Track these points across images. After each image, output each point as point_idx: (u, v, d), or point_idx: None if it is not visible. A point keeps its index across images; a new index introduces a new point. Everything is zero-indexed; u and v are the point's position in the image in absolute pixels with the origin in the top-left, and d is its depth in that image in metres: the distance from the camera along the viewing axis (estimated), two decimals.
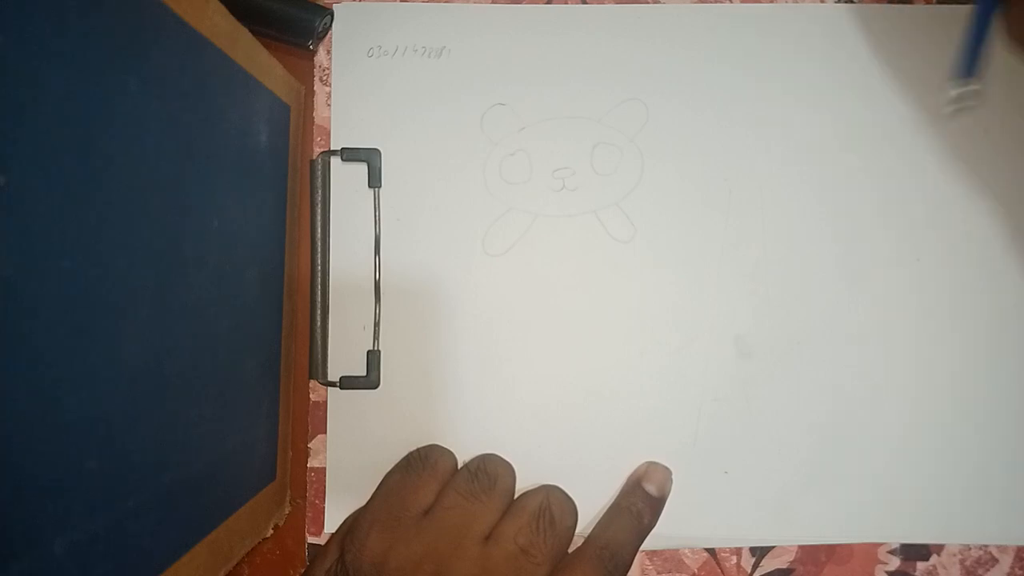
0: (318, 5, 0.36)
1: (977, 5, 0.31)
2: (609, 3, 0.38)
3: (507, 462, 0.34)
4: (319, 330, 0.36)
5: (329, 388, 0.36)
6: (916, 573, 0.35)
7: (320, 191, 0.36)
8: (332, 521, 0.35)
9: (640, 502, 0.34)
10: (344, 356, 0.36)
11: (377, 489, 0.33)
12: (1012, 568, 0.36)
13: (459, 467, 0.34)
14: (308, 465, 0.36)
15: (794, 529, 0.35)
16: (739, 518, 0.35)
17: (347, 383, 0.36)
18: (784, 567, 0.36)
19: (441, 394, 0.36)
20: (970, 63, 0.31)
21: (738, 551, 0.36)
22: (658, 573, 0.36)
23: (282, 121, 0.34)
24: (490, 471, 0.33)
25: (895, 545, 0.36)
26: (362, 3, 0.37)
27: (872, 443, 0.36)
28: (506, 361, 0.36)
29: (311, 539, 0.36)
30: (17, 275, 0.17)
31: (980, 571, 0.35)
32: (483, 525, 0.31)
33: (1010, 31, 0.31)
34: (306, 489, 0.36)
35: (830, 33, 0.38)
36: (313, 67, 0.37)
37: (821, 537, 0.35)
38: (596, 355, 0.36)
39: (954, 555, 0.35)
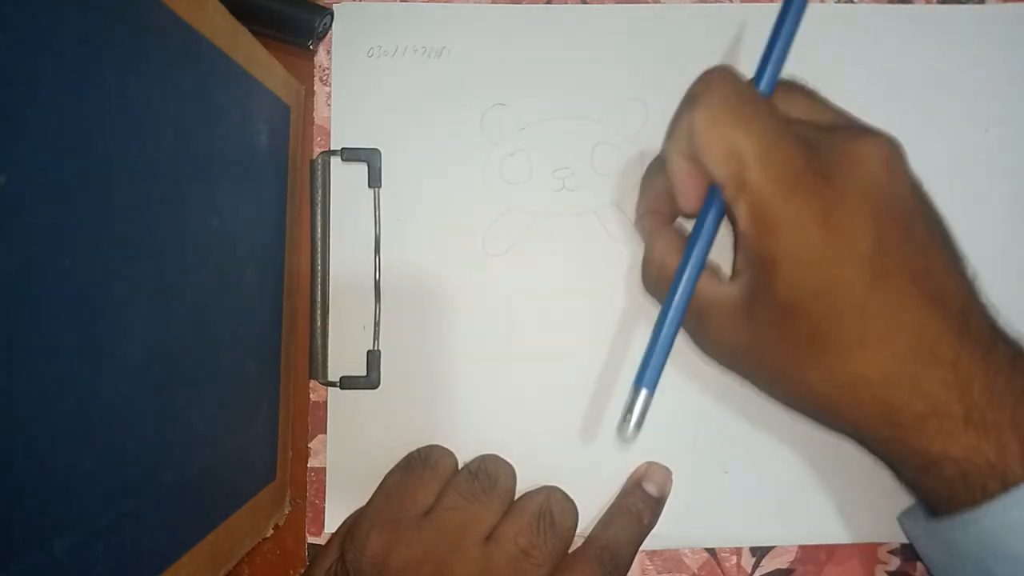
0: (318, 5, 0.36)
1: (658, 326, 0.31)
2: (609, 3, 0.38)
3: (508, 463, 0.34)
4: (319, 330, 0.36)
5: (329, 388, 0.36)
6: (916, 573, 0.35)
7: (320, 191, 0.36)
8: (332, 521, 0.35)
9: (640, 502, 0.34)
10: (344, 356, 0.36)
11: (377, 489, 0.33)
12: None
13: (459, 467, 0.34)
14: (308, 465, 0.36)
15: (794, 529, 0.35)
16: (739, 518, 0.35)
17: (347, 383, 0.36)
18: (784, 567, 0.36)
19: (441, 394, 0.36)
20: (655, 376, 0.30)
21: (738, 551, 0.36)
22: (658, 573, 0.36)
23: (282, 121, 0.34)
24: (491, 471, 0.33)
25: (895, 545, 0.35)
26: (362, 3, 0.37)
27: None
28: (506, 361, 0.36)
29: (311, 539, 0.36)
30: (17, 274, 0.17)
31: None
32: (484, 526, 0.31)
33: (705, 345, 0.33)
34: (306, 489, 0.36)
35: (830, 33, 0.38)
36: (313, 67, 0.37)
37: (821, 537, 0.35)
38: (596, 355, 0.36)
39: None
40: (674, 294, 0.30)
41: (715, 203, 0.30)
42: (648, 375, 0.30)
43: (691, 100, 0.29)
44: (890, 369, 0.27)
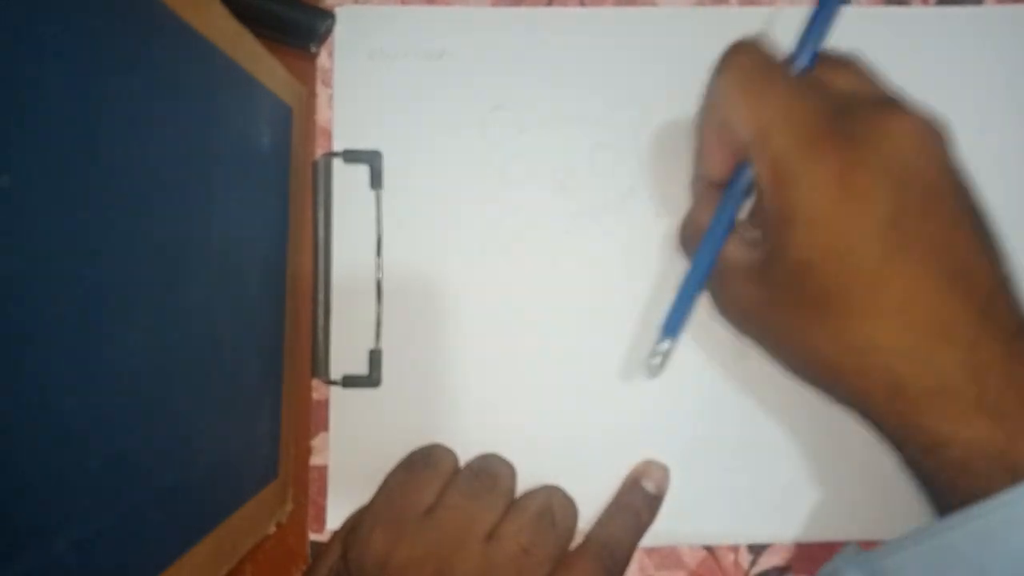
0: (320, 8, 0.37)
1: (685, 280, 0.32)
2: (608, 5, 0.38)
3: (508, 462, 0.34)
4: (321, 329, 0.36)
5: (331, 387, 0.36)
6: None
7: (322, 192, 0.37)
8: (334, 519, 0.36)
9: (638, 500, 0.34)
10: (346, 355, 0.36)
11: (379, 488, 0.33)
12: None
13: (460, 466, 0.34)
14: (310, 463, 0.36)
15: (792, 527, 0.36)
16: (737, 515, 0.36)
17: (349, 382, 0.36)
18: (782, 564, 0.36)
19: (442, 393, 0.36)
20: (676, 324, 0.33)
21: (736, 548, 0.36)
22: (657, 569, 0.36)
23: (284, 123, 0.34)
24: (491, 471, 0.33)
25: None
26: (364, 6, 0.38)
27: (871, 440, 0.35)
28: (507, 360, 0.36)
29: (313, 536, 0.36)
30: (20, 274, 0.18)
31: None
32: (485, 524, 0.31)
33: (722, 306, 0.33)
34: (308, 487, 0.36)
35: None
36: (315, 69, 0.38)
37: (818, 535, 0.36)
38: (596, 354, 0.36)
39: None
40: (703, 249, 0.32)
41: (745, 170, 0.31)
42: (670, 322, 0.33)
43: (718, 67, 0.30)
44: (901, 340, 0.26)
